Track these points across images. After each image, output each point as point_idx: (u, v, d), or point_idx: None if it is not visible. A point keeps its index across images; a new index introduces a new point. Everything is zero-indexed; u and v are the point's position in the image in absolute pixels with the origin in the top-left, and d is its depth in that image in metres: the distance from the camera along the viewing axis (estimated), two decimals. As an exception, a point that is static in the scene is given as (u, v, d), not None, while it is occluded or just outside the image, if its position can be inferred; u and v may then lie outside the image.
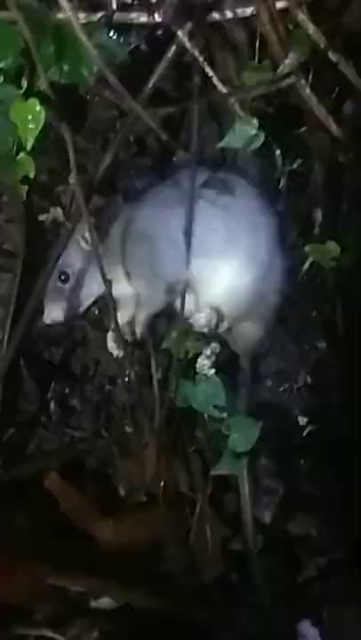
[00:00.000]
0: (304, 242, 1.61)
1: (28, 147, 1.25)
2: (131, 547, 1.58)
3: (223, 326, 1.56)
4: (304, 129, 1.58)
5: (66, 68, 1.24)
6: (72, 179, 1.29)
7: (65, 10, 1.19)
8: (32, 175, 1.33)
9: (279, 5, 1.41)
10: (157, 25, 1.36)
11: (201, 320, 1.54)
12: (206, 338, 1.57)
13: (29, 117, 1.21)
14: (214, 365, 1.56)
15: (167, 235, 1.46)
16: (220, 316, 1.54)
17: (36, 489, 1.54)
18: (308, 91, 1.48)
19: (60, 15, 1.25)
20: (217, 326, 1.55)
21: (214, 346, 1.57)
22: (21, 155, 1.29)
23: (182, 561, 1.59)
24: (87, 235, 1.43)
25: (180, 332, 1.51)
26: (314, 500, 1.68)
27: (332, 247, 1.58)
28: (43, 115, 1.22)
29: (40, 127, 1.23)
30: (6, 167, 1.28)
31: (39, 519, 1.52)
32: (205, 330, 1.54)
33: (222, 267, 1.50)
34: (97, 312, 1.59)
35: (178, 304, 1.45)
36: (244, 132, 1.45)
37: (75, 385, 1.60)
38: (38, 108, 1.22)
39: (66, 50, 1.24)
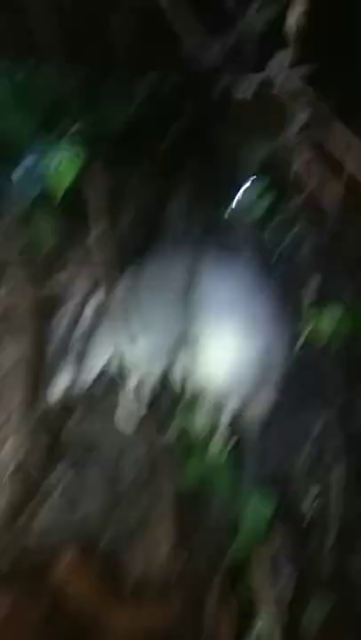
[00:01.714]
0: (305, 308, 1.60)
1: (59, 195, 1.23)
2: (146, 637, 1.48)
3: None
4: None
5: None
6: (95, 235, 1.27)
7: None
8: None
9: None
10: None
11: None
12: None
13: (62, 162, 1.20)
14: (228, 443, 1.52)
15: (167, 296, 1.47)
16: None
17: (46, 574, 1.44)
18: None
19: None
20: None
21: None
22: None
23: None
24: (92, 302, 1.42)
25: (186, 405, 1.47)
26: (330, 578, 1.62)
27: (333, 314, 1.59)
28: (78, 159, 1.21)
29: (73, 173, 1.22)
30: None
31: (51, 607, 1.41)
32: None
33: (224, 331, 1.49)
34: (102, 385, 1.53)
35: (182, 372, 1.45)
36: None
37: (83, 462, 1.52)
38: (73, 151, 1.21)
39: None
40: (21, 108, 1.28)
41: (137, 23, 1.30)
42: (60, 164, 1.26)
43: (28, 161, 1.33)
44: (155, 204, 1.55)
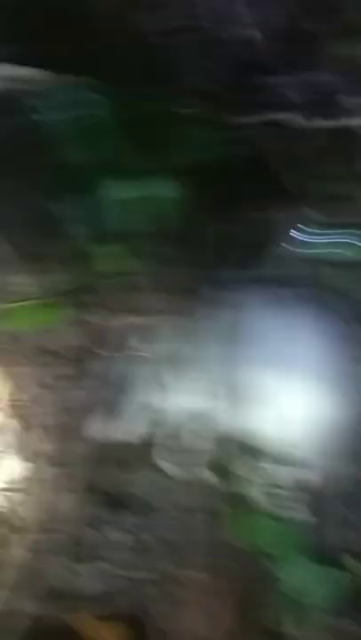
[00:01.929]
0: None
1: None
2: None
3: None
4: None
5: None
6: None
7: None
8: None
9: None
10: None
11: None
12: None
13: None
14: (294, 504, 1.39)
15: (237, 342, 1.38)
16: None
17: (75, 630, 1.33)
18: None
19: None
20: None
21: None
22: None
23: None
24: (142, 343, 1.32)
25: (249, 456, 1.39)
26: None
27: None
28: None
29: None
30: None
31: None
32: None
33: (298, 385, 1.40)
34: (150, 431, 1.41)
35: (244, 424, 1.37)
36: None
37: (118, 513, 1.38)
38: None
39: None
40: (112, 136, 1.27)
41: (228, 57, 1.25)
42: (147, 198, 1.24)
43: (104, 192, 1.30)
44: (214, 244, 1.44)
